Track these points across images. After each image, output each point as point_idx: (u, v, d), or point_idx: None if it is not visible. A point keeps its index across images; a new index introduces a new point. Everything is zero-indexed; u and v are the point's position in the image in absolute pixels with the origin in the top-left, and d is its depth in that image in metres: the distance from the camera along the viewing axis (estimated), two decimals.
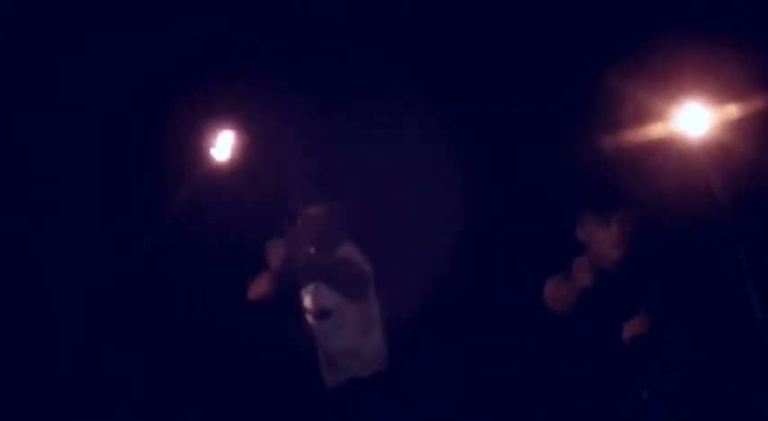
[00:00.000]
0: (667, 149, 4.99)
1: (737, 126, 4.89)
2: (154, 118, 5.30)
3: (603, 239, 4.53)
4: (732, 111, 4.88)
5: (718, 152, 4.89)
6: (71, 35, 5.28)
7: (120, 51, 5.29)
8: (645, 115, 4.99)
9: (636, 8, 5.10)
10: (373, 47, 5.35)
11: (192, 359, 5.41)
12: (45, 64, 5.30)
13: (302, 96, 5.39)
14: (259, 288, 4.72)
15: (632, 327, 4.45)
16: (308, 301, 4.83)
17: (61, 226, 5.38)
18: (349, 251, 4.80)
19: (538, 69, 5.27)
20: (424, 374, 5.18)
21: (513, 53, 5.30)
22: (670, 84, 4.93)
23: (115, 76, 5.31)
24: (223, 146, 5.18)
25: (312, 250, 4.72)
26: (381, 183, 5.36)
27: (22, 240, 5.34)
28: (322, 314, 4.78)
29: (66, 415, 5.25)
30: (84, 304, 5.36)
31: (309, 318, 4.83)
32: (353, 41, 5.37)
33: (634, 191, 4.87)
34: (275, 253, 4.66)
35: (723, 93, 4.87)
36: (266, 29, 5.41)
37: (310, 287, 4.81)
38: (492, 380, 5.13)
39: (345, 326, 4.75)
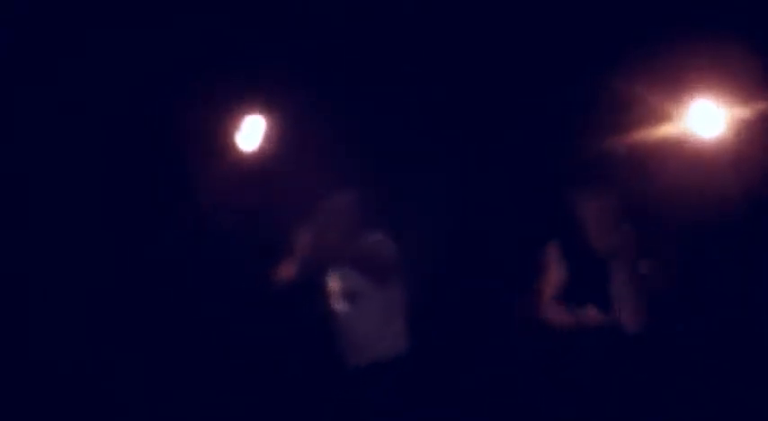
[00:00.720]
0: (678, 149, 5.04)
1: (749, 125, 4.94)
2: (180, 108, 5.35)
3: (591, 216, 4.74)
4: (743, 110, 4.93)
5: (730, 151, 4.96)
6: (96, 25, 5.31)
7: (144, 42, 5.33)
8: (656, 115, 5.04)
9: (647, 7, 5.15)
10: (392, 42, 5.44)
11: (217, 341, 5.46)
12: (69, 52, 5.33)
13: (327, 85, 5.46)
14: (286, 272, 4.88)
15: None
16: (333, 285, 4.96)
17: (86, 215, 5.42)
18: (375, 237, 4.94)
19: (549, 68, 5.36)
20: (443, 359, 5.31)
21: (523, 52, 5.39)
22: (681, 83, 4.98)
23: (140, 66, 5.35)
24: (251, 134, 5.27)
25: (339, 236, 4.85)
26: (408, 172, 5.47)
27: (45, 238, 5.36)
28: (347, 298, 4.92)
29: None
30: (111, 297, 5.41)
31: (334, 302, 4.98)
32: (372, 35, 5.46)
33: (642, 189, 5.00)
34: (303, 238, 4.82)
35: (734, 92, 4.93)
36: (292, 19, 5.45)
37: (336, 271, 4.94)
38: (510, 365, 5.25)
39: (369, 310, 4.90)
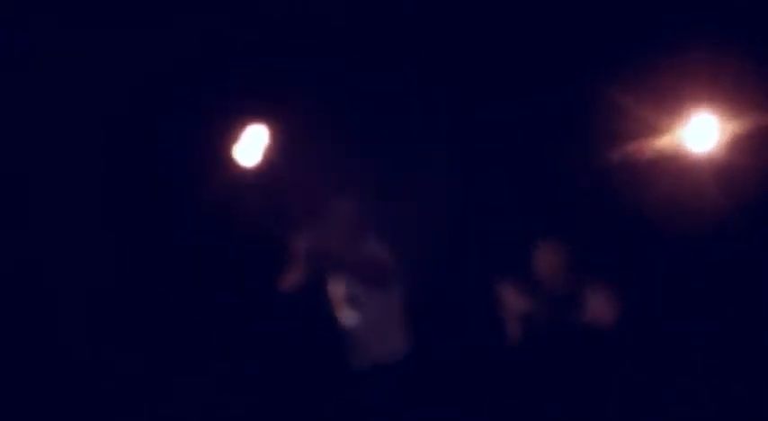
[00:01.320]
0: (673, 162, 5.06)
1: (744, 139, 4.96)
2: (182, 119, 5.43)
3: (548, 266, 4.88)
4: (739, 124, 4.95)
5: (724, 165, 4.98)
6: (102, 31, 5.37)
7: (148, 50, 5.40)
8: (650, 127, 5.08)
9: (644, 19, 5.19)
10: (392, 46, 5.51)
11: (221, 345, 5.53)
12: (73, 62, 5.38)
13: (326, 91, 5.53)
14: (288, 277, 4.97)
15: None
16: (334, 290, 5.04)
17: (90, 225, 5.48)
18: (375, 243, 5.01)
19: (545, 79, 5.40)
20: (443, 362, 5.36)
21: (520, 62, 5.43)
22: (677, 97, 5.00)
23: (145, 75, 5.42)
24: (252, 143, 5.30)
25: (339, 242, 4.92)
26: (405, 176, 5.53)
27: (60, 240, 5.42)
28: (347, 302, 5.00)
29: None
30: (112, 304, 5.47)
31: (335, 306, 5.05)
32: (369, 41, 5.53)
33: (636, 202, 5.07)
34: (304, 244, 4.91)
35: (730, 106, 4.94)
36: (289, 30, 5.52)
37: (337, 277, 5.02)
38: (511, 369, 5.21)
39: (370, 315, 4.96)
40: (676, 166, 5.06)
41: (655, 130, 5.09)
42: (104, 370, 5.42)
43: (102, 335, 5.46)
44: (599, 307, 4.83)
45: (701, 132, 5.00)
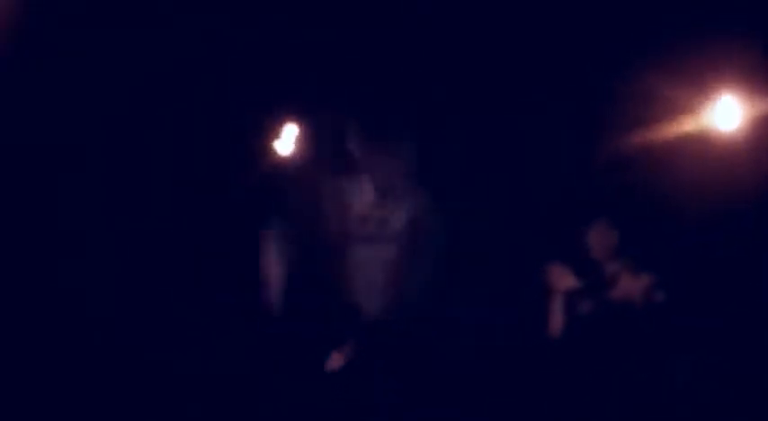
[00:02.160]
0: (698, 144, 5.00)
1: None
2: (222, 115, 5.53)
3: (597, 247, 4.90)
4: (764, 105, 4.89)
5: (749, 147, 4.92)
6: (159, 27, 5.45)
7: (192, 50, 5.47)
8: (676, 109, 5.01)
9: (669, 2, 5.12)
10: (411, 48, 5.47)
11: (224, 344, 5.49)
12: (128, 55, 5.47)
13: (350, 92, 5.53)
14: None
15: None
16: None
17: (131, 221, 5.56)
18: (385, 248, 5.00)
19: (567, 63, 5.32)
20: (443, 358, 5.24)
21: (544, 47, 5.35)
22: (703, 78, 4.95)
23: (186, 74, 5.50)
24: (286, 139, 5.51)
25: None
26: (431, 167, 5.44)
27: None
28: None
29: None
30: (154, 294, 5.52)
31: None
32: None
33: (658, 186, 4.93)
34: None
35: (755, 87, 4.88)
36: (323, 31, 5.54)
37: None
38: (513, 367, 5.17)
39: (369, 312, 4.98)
40: (702, 148, 4.99)
41: (681, 113, 5.02)
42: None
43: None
44: (630, 291, 4.82)
45: (726, 114, 4.96)
